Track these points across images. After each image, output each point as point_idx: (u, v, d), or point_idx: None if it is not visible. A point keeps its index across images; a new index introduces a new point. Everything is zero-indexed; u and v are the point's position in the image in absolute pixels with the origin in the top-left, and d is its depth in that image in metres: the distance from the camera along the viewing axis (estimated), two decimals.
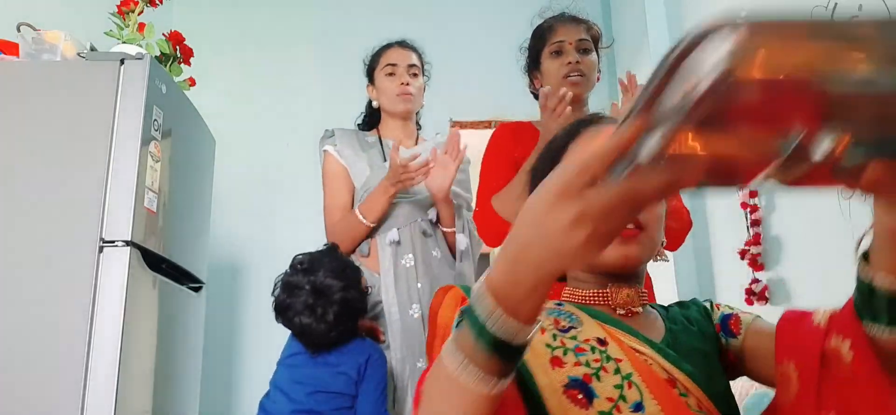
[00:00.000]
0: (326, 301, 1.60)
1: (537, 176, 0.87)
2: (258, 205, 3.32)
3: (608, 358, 0.70)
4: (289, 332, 1.72)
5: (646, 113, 0.39)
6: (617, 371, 0.69)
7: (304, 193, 2.76)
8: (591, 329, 0.73)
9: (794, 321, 0.71)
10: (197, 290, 2.28)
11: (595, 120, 0.85)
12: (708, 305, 0.85)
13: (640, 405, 0.66)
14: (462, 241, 1.84)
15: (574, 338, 0.72)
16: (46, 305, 1.67)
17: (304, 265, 1.66)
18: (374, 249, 1.81)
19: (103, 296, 1.68)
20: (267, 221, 3.30)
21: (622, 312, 0.78)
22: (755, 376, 0.78)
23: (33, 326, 1.65)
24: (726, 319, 0.82)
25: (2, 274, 1.68)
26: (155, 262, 1.89)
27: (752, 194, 2.54)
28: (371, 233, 1.80)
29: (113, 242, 1.72)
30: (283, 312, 1.66)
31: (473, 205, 1.70)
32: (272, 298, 1.69)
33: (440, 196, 1.76)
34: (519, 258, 0.47)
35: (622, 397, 0.67)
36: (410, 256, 1.77)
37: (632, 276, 0.80)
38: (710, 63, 0.33)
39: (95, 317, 1.66)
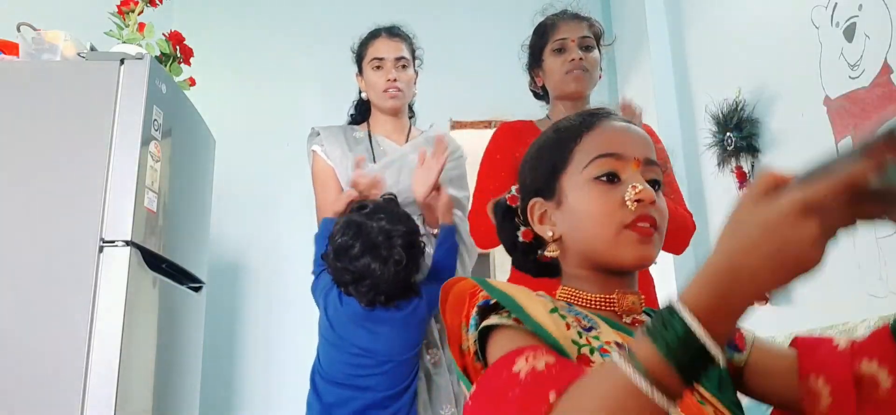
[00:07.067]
0: (392, 244, 1.52)
1: (528, 164, 0.85)
2: (258, 205, 3.31)
3: None
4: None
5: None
6: None
7: (304, 193, 2.75)
8: (607, 332, 0.71)
9: (813, 342, 0.71)
10: (197, 290, 2.28)
11: (607, 114, 0.81)
12: None
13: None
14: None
15: (597, 338, 0.69)
16: (46, 304, 1.67)
17: (366, 210, 1.58)
18: None
19: (103, 296, 1.68)
20: (267, 221, 3.29)
21: (628, 320, 0.75)
22: (756, 393, 0.76)
23: (33, 325, 1.65)
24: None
25: (2, 274, 1.68)
26: (155, 262, 1.89)
27: None
28: None
29: (113, 242, 1.72)
30: (344, 252, 1.52)
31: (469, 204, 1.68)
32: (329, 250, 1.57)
33: (420, 199, 1.71)
34: (738, 273, 0.47)
35: None
36: None
37: (633, 279, 0.77)
38: None
39: (95, 317, 1.66)
